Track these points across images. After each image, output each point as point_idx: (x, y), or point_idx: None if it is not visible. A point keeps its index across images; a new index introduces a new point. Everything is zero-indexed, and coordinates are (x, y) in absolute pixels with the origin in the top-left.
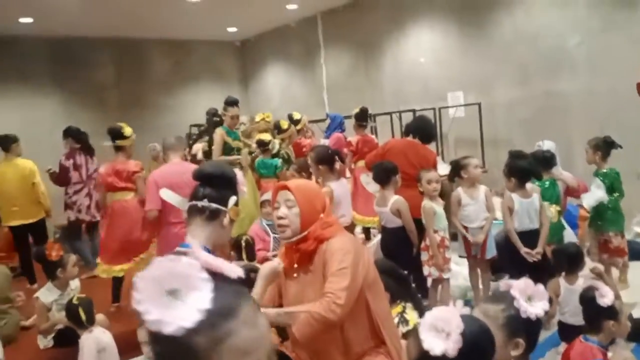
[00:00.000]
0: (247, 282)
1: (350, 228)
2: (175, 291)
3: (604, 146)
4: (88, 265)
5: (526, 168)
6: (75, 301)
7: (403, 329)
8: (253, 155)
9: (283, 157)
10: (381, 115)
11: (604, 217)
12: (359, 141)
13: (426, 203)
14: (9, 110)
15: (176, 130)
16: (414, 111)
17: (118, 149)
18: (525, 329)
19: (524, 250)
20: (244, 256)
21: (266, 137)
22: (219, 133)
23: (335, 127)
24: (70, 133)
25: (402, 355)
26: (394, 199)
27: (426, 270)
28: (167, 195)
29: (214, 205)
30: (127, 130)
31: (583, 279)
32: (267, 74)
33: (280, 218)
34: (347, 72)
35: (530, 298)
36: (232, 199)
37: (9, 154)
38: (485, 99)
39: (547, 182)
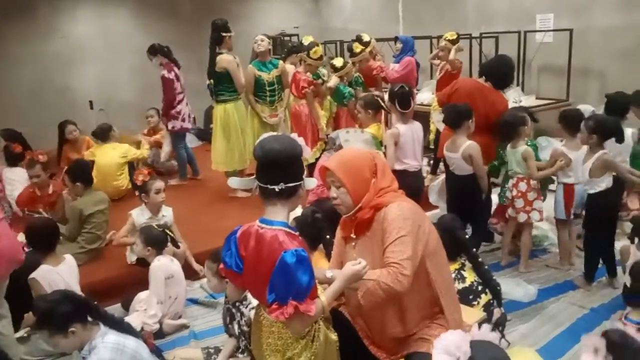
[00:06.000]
0: (313, 223)
1: (418, 174)
2: None
3: None
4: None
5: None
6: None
7: (459, 285)
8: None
9: (357, 81)
10: (461, 37)
11: None
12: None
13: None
14: (87, 21)
15: (249, 39)
16: (496, 37)
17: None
18: None
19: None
20: None
21: (338, 62)
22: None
23: (407, 51)
24: (159, 50)
25: (460, 327)
26: (467, 144)
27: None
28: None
29: (292, 185)
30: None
31: None
32: None
33: (333, 198)
34: None
35: None
36: (312, 181)
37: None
38: (578, 24)
39: None
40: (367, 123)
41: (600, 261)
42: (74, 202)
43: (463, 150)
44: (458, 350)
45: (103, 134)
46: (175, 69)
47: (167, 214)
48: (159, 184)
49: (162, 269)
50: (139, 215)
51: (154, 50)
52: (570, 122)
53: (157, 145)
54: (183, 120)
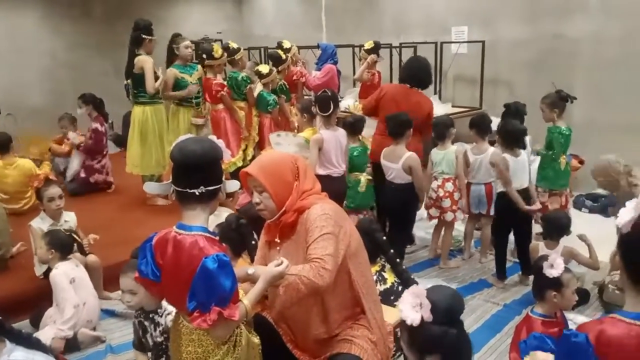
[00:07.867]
0: (237, 229)
1: (342, 179)
2: None
3: (560, 102)
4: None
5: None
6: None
7: (380, 287)
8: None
9: (282, 88)
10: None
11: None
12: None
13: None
14: None
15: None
16: (415, 47)
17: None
18: None
19: None
20: None
21: (265, 68)
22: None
23: (327, 58)
24: (91, 100)
25: (381, 326)
26: (407, 155)
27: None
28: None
29: (212, 188)
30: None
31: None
32: None
33: (256, 204)
34: None
35: None
36: (233, 183)
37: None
38: (489, 36)
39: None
40: (303, 127)
41: (516, 259)
42: None
43: (403, 161)
44: (418, 298)
45: (2, 145)
46: (105, 123)
47: (69, 219)
48: (52, 191)
49: (63, 275)
50: (40, 223)
51: (87, 100)
52: (482, 126)
53: (69, 155)
54: (107, 174)
